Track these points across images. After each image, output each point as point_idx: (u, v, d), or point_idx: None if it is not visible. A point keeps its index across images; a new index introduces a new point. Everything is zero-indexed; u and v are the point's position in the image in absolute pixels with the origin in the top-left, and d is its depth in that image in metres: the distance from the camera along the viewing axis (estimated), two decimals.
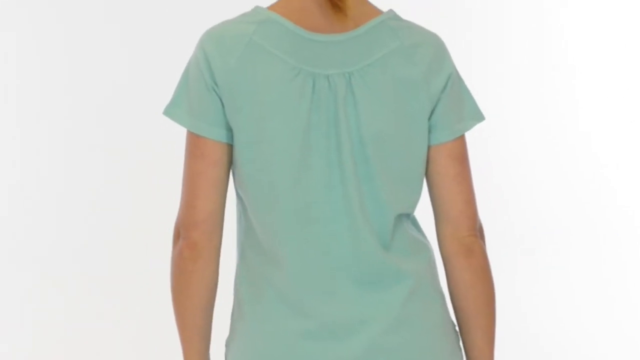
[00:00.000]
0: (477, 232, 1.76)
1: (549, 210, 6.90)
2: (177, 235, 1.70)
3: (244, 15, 1.72)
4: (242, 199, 1.71)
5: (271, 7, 1.72)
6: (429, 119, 1.71)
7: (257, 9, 1.72)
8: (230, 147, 1.69)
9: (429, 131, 1.71)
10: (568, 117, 7.18)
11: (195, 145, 1.68)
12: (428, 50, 1.71)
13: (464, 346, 1.77)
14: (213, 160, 1.68)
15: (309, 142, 1.66)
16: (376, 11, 1.74)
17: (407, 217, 1.76)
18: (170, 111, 1.70)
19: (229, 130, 1.68)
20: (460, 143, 1.74)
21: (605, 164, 7.10)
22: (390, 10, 1.75)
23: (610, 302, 5.53)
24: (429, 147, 1.72)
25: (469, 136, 1.87)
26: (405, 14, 1.98)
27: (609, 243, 6.69)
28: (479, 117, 1.78)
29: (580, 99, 7.20)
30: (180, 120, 1.69)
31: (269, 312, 1.68)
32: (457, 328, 1.78)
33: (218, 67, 1.66)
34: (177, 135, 4.11)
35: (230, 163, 1.70)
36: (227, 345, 1.77)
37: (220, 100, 1.67)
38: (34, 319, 5.27)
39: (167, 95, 5.37)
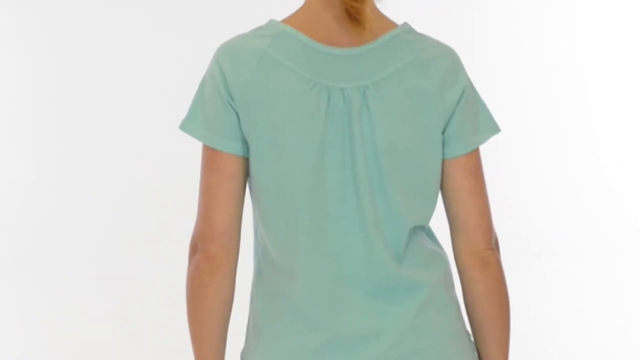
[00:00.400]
0: (493, 245, 1.76)
1: (556, 213, 6.91)
2: (194, 249, 1.70)
3: (259, 29, 1.73)
4: (257, 212, 1.72)
5: (286, 20, 1.73)
6: (443, 132, 1.72)
7: (271, 22, 1.73)
8: (246, 160, 1.70)
9: (443, 145, 1.72)
10: (576, 123, 7.19)
11: (211, 158, 1.69)
12: (442, 63, 1.72)
13: (479, 356, 1.78)
14: (229, 174, 1.69)
15: (324, 156, 1.67)
16: (391, 24, 1.75)
17: (422, 229, 1.77)
18: (186, 125, 1.71)
19: (245, 143, 1.69)
20: (475, 156, 1.74)
21: (606, 165, 7.12)
22: (405, 24, 1.76)
23: (618, 305, 5.54)
24: (443, 161, 1.73)
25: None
26: (414, 18, 1.99)
27: (616, 246, 6.70)
28: (494, 129, 1.77)
29: (588, 105, 7.21)
30: (196, 134, 1.70)
31: (285, 328, 1.70)
32: (472, 338, 1.79)
33: (233, 81, 1.67)
34: (193, 146, 4.14)
35: (246, 176, 1.72)
36: (242, 358, 1.79)
37: (236, 113, 1.68)
38: (49, 319, 5.29)
39: (182, 105, 5.37)
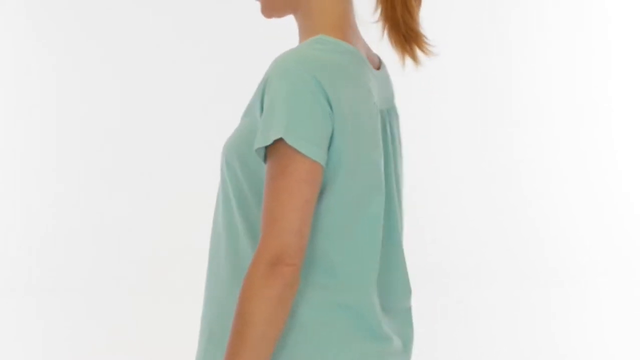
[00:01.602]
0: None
1: (581, 243, 6.90)
2: (277, 263, 1.66)
3: (321, 43, 1.76)
4: (319, 223, 1.75)
5: (331, 34, 1.78)
6: None
7: (327, 38, 1.77)
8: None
9: None
10: (602, 155, 7.18)
11: (308, 171, 1.68)
12: None
13: None
14: (319, 186, 1.71)
15: (385, 174, 1.79)
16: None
17: None
18: (293, 139, 1.68)
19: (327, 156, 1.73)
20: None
21: (631, 193, 7.11)
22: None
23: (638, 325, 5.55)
24: None
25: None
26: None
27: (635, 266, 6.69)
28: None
29: (614, 135, 7.21)
30: (306, 149, 1.69)
31: (347, 336, 1.74)
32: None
33: (331, 95, 1.70)
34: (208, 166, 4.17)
35: None
36: None
37: (333, 127, 1.71)
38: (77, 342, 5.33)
39: (208, 127, 5.34)
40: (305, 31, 1.81)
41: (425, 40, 1.81)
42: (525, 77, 7.22)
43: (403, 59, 1.81)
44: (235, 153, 1.76)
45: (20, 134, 7.00)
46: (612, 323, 5.60)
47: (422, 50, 1.82)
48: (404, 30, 1.79)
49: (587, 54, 7.20)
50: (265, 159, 1.71)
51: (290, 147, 1.67)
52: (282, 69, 1.70)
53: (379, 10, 1.80)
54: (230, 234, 1.78)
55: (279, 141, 1.67)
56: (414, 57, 1.81)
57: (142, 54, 7.04)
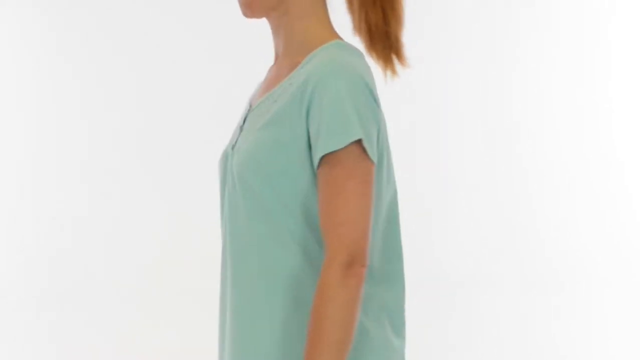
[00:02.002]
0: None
1: (585, 250, 6.91)
2: (353, 264, 1.66)
3: (344, 48, 1.78)
4: None
5: (338, 39, 1.81)
6: None
7: (343, 43, 1.79)
8: None
9: None
10: (607, 163, 7.18)
11: (370, 172, 1.70)
12: None
13: None
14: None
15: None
16: None
17: None
18: (367, 146, 1.70)
19: None
20: None
21: (636, 202, 7.12)
22: None
23: None
24: None
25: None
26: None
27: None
28: None
29: (618, 144, 7.22)
30: (371, 154, 1.70)
31: (388, 334, 1.78)
32: None
33: (376, 96, 1.73)
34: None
35: None
36: None
37: (378, 127, 1.73)
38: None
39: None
40: (297, 33, 1.79)
41: (404, 51, 1.81)
42: (533, 86, 7.25)
43: (386, 70, 1.81)
44: (257, 165, 1.72)
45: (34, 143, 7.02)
46: (616, 329, 5.60)
47: (401, 61, 1.81)
48: (391, 40, 1.79)
49: (590, 61, 7.22)
50: (317, 164, 1.70)
51: (360, 148, 1.68)
52: (332, 72, 1.69)
53: (362, 22, 1.79)
54: (261, 247, 1.74)
55: (352, 143, 1.68)
56: (394, 69, 1.81)
57: (169, 70, 7.09)
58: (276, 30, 1.80)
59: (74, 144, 7.04)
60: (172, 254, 6.83)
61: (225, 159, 1.80)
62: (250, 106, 1.82)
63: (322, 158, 1.68)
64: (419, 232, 6.67)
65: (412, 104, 7.03)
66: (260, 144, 1.73)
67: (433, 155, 7.04)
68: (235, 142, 1.79)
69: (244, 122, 1.82)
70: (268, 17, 1.80)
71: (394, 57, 1.80)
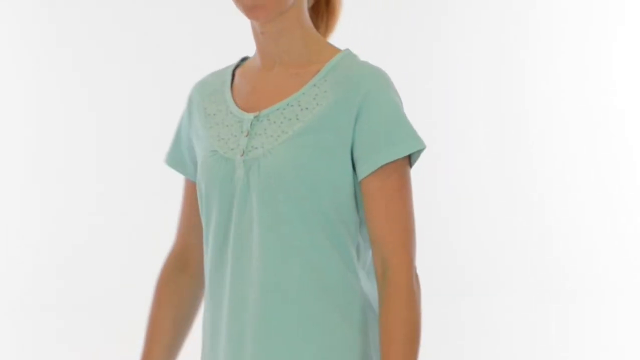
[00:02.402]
0: None
1: (598, 258, 6.92)
2: (415, 270, 1.75)
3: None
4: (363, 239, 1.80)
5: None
6: None
7: (352, 52, 1.86)
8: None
9: None
10: (621, 171, 7.18)
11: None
12: None
13: None
14: None
15: None
16: None
17: None
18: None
19: None
20: None
21: None
22: None
23: None
24: None
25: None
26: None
27: None
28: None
29: (634, 154, 7.21)
30: (414, 159, 1.78)
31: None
32: None
33: None
34: None
35: None
36: None
37: None
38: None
39: None
40: (299, 39, 1.80)
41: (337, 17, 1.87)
42: (545, 92, 7.25)
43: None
44: (300, 171, 1.72)
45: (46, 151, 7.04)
46: (628, 335, 5.61)
47: (330, 25, 1.88)
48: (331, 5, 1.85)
49: (601, 62, 7.21)
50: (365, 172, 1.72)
51: (408, 158, 1.73)
52: (383, 83, 1.73)
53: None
54: (303, 253, 1.75)
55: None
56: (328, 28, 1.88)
57: (179, 76, 7.10)
58: (275, 37, 1.79)
59: (82, 147, 7.06)
60: None
61: (231, 166, 1.76)
62: (259, 113, 1.78)
63: (380, 166, 1.71)
64: (431, 239, 6.68)
65: (424, 112, 7.03)
66: (303, 150, 1.73)
67: (445, 161, 7.05)
68: (246, 149, 1.75)
69: (247, 128, 1.78)
70: (272, 22, 1.78)
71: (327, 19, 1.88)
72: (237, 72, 1.86)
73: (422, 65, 7.05)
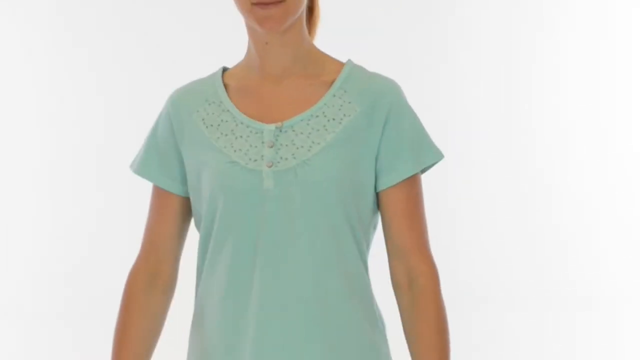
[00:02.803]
0: None
1: (609, 267, 6.90)
2: None
3: None
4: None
5: None
6: None
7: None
8: None
9: None
10: (632, 181, 7.15)
11: None
12: None
13: None
14: None
15: None
16: None
17: None
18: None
19: None
20: None
21: None
22: None
23: None
24: None
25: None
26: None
27: None
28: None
29: None
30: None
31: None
32: None
33: None
34: None
35: None
36: None
37: None
38: None
39: None
40: (305, 49, 1.83)
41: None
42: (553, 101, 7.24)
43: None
44: (341, 181, 1.76)
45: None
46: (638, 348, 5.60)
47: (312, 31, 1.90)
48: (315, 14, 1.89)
49: (617, 83, 7.20)
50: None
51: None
52: (402, 93, 1.82)
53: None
54: (343, 263, 1.79)
55: None
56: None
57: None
58: (281, 47, 1.80)
59: (91, 154, 7.07)
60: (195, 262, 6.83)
61: (257, 177, 1.76)
62: (281, 123, 1.78)
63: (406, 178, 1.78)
64: (444, 248, 6.65)
65: (433, 122, 7.01)
66: (337, 160, 1.76)
67: (455, 169, 7.04)
68: (273, 160, 1.76)
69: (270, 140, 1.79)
70: (281, 33, 1.80)
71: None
72: (228, 81, 1.85)
73: (430, 72, 7.05)
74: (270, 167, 1.75)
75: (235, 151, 1.77)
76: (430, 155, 1.80)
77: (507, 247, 7.00)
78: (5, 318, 6.25)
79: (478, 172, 7.21)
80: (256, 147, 1.76)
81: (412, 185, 1.78)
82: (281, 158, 1.75)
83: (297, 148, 1.75)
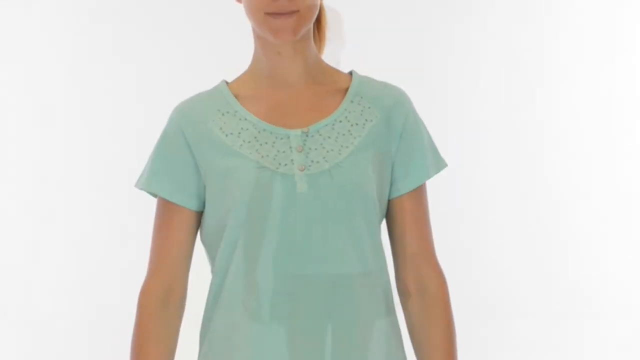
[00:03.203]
0: None
1: (615, 275, 6.89)
2: None
3: None
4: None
5: None
6: None
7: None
8: None
9: None
10: (638, 188, 7.15)
11: None
12: None
13: None
14: None
15: None
16: None
17: None
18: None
19: None
20: None
21: None
22: None
23: None
24: None
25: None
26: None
27: None
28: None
29: None
30: None
31: None
32: None
33: None
34: None
35: None
36: None
37: None
38: None
39: None
40: (314, 59, 1.85)
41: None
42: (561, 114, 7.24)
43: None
44: (370, 187, 1.78)
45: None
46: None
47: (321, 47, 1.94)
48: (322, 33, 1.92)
49: (626, 92, 7.19)
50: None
51: None
52: (412, 102, 1.86)
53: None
54: (379, 268, 1.82)
55: None
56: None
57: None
58: (292, 56, 1.82)
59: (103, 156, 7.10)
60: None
61: (290, 181, 1.76)
62: (307, 128, 1.80)
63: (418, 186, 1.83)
64: (450, 254, 6.64)
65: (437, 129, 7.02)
66: (366, 163, 1.79)
67: (464, 176, 7.05)
68: (305, 163, 1.77)
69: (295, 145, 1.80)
70: (293, 43, 1.81)
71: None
72: (236, 92, 1.86)
73: (436, 78, 7.05)
74: (302, 170, 1.76)
75: (262, 157, 1.77)
76: (440, 163, 1.86)
77: (515, 254, 6.99)
78: (14, 325, 6.28)
79: (485, 179, 7.19)
80: (284, 152, 1.77)
81: (421, 193, 1.83)
82: (312, 161, 1.76)
83: (328, 151, 1.77)
